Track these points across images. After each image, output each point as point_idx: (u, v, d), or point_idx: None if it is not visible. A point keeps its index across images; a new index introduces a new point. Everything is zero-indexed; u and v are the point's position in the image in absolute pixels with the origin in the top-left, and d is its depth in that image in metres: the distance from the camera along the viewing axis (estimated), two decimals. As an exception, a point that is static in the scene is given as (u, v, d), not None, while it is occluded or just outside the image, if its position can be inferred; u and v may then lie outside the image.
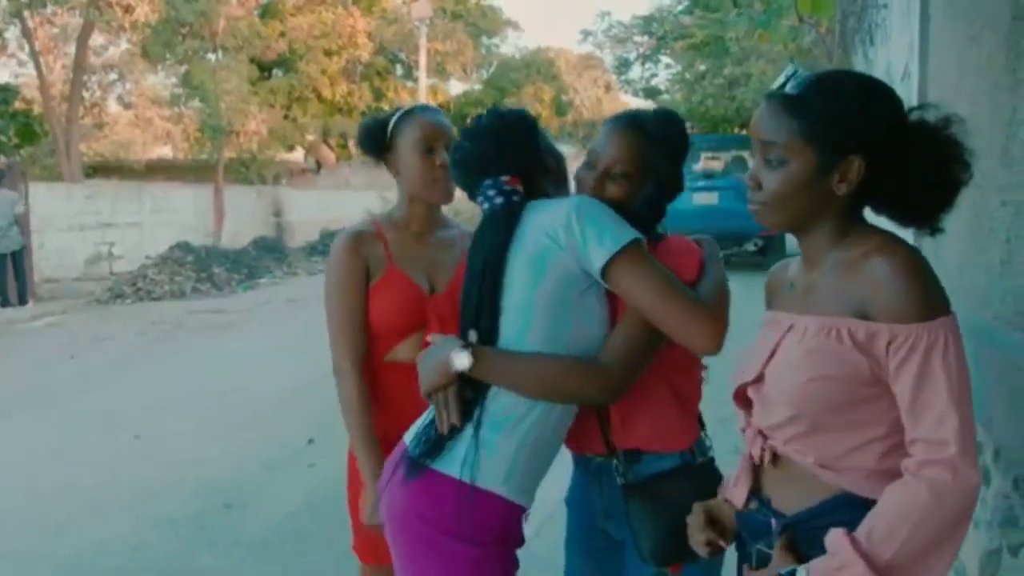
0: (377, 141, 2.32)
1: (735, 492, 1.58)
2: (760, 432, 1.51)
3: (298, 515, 4.50)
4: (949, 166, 1.39)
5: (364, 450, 2.19)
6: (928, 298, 1.32)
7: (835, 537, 1.32)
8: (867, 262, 1.36)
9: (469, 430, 1.75)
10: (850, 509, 1.37)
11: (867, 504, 1.35)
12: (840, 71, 1.55)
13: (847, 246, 1.43)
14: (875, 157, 1.38)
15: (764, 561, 1.46)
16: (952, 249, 2.61)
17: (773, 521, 1.48)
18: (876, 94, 1.43)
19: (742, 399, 1.55)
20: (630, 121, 1.91)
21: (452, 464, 1.75)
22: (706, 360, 1.90)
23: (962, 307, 2.43)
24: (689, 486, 1.80)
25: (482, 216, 1.86)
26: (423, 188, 2.27)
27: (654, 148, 1.88)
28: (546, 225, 1.74)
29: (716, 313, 1.67)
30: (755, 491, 1.55)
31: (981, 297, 2.30)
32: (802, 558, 1.39)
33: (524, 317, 1.75)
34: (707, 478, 1.83)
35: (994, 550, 2.06)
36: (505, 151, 1.88)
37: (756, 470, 1.54)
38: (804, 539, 1.41)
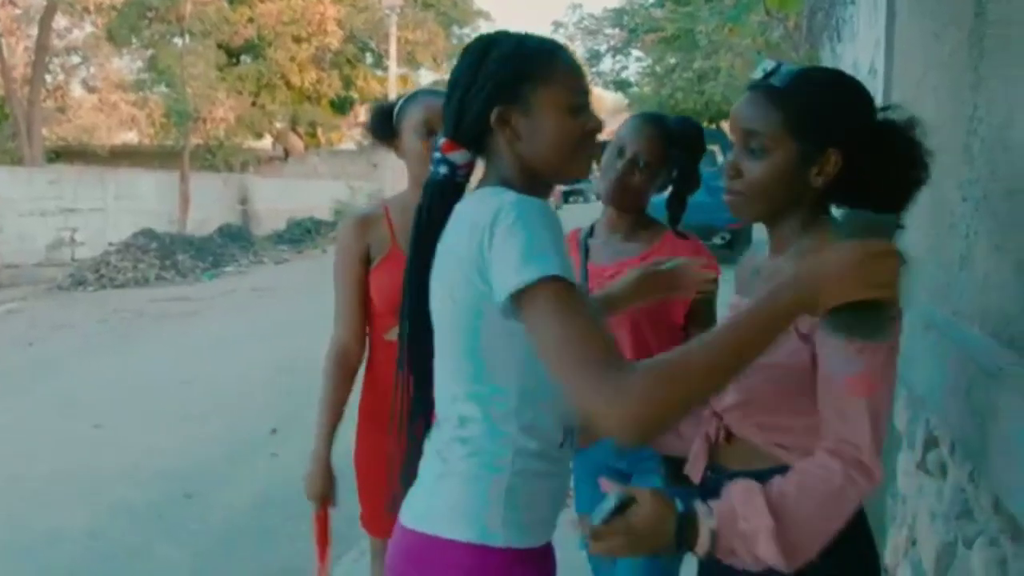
0: (384, 125, 2.35)
1: (692, 469, 1.61)
2: (715, 413, 1.54)
3: (260, 505, 4.46)
4: (912, 166, 1.43)
5: (325, 422, 2.31)
6: None
7: (749, 490, 1.32)
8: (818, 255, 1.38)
9: None
10: None
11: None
12: (821, 67, 1.57)
13: (811, 235, 1.46)
14: (850, 152, 1.42)
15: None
16: (912, 244, 2.63)
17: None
18: (856, 91, 1.47)
19: None
20: (655, 117, 2.17)
21: None
22: None
23: (922, 301, 2.46)
24: None
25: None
26: (424, 170, 2.26)
27: (675, 144, 2.12)
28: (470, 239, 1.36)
29: (647, 392, 1.16)
30: (710, 466, 1.58)
31: (941, 292, 2.32)
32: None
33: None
34: None
35: (950, 542, 2.08)
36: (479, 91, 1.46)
37: (711, 448, 1.57)
38: None
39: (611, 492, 1.35)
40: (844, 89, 1.46)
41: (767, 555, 1.28)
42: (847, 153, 1.41)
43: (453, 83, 1.50)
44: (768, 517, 1.28)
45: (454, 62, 1.55)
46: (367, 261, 2.32)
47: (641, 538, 1.32)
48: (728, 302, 1.64)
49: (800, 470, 1.34)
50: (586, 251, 2.30)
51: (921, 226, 2.57)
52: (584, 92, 1.49)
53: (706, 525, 1.30)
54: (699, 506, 1.32)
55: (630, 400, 1.15)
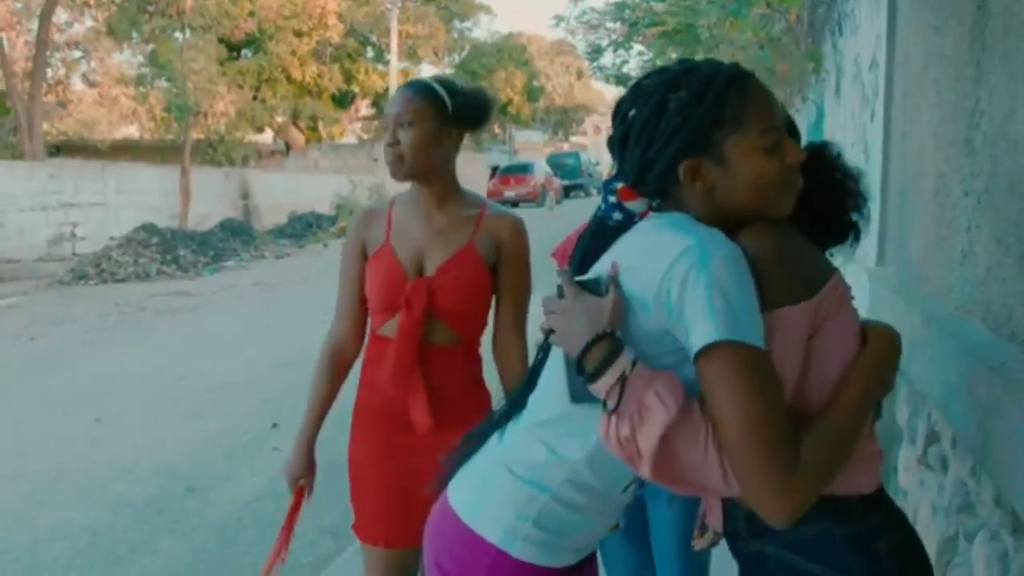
0: None
1: (711, 515, 1.58)
2: None
3: (261, 500, 4.46)
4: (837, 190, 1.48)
5: (310, 410, 2.33)
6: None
7: (675, 380, 1.26)
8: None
9: None
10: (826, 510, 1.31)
11: (840, 502, 1.32)
12: None
13: None
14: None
15: (749, 560, 1.45)
16: (915, 239, 2.63)
17: None
18: None
19: None
20: None
21: None
22: None
23: (924, 297, 2.45)
24: None
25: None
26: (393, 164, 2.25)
27: None
28: (647, 267, 1.28)
29: (814, 485, 1.21)
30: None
31: (943, 286, 2.31)
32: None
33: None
34: None
35: (951, 537, 2.08)
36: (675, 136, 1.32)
37: None
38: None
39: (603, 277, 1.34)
40: None
41: (645, 443, 1.23)
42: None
43: (629, 126, 1.36)
44: (675, 410, 1.22)
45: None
46: (363, 256, 2.30)
47: (573, 318, 1.32)
48: None
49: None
50: None
51: (922, 221, 2.56)
52: (778, 124, 1.33)
53: (626, 359, 1.25)
54: (631, 352, 1.27)
55: (799, 496, 1.20)
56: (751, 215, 1.32)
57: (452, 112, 2.19)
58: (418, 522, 2.11)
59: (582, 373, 1.28)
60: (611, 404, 1.25)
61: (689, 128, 1.30)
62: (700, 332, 1.20)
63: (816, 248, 1.37)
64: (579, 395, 1.31)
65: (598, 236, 1.45)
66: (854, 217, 1.48)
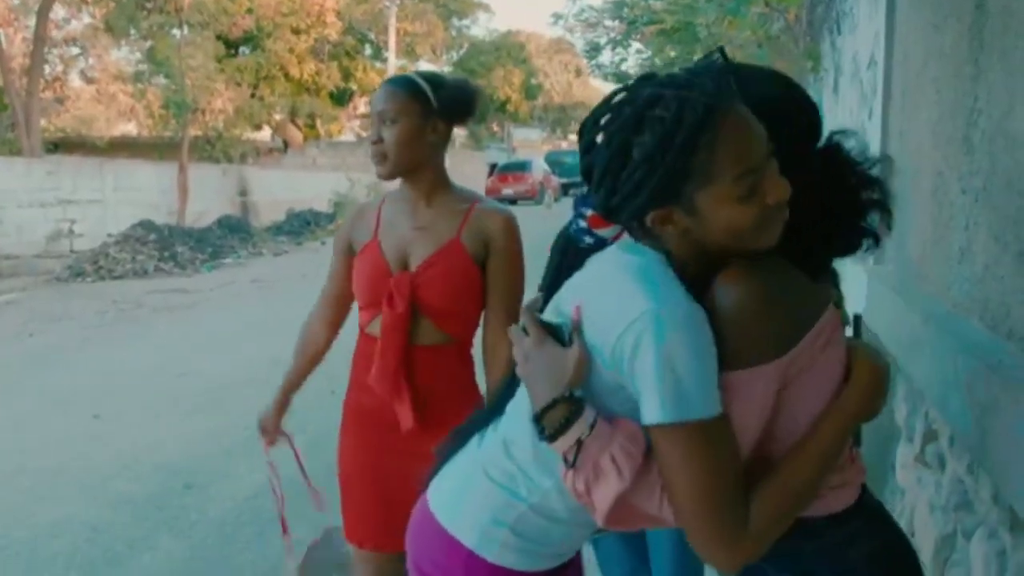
0: None
1: None
2: None
3: (260, 497, 4.45)
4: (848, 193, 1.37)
5: (292, 378, 2.54)
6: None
7: (636, 434, 1.24)
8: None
9: None
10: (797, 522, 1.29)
11: (808, 522, 1.31)
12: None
13: None
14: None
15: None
16: (914, 237, 2.63)
17: None
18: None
19: None
20: None
21: None
22: None
23: (922, 295, 2.46)
24: None
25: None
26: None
27: None
28: (606, 322, 1.25)
29: (763, 537, 1.22)
30: None
31: (941, 284, 2.32)
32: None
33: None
34: None
35: (949, 534, 2.09)
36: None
37: None
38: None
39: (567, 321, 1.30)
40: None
41: (599, 501, 1.24)
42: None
43: (592, 163, 1.27)
44: (629, 478, 1.22)
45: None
46: (349, 251, 2.30)
47: (535, 369, 1.30)
48: None
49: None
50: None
51: (922, 220, 2.57)
52: (756, 165, 1.20)
53: (584, 423, 1.24)
54: (591, 409, 1.25)
55: (746, 553, 1.21)
56: (733, 251, 1.25)
57: (437, 106, 2.15)
58: (405, 525, 2.10)
59: (540, 430, 1.27)
60: (568, 461, 1.25)
61: (655, 181, 1.20)
62: (648, 408, 1.20)
63: (807, 281, 1.29)
64: (542, 437, 1.29)
65: (568, 254, 1.42)
66: (871, 223, 1.36)
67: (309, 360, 2.46)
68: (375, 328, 2.18)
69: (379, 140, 2.13)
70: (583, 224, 1.39)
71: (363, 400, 2.24)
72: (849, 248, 1.38)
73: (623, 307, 1.21)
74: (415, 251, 2.17)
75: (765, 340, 1.21)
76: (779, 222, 1.25)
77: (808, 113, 1.37)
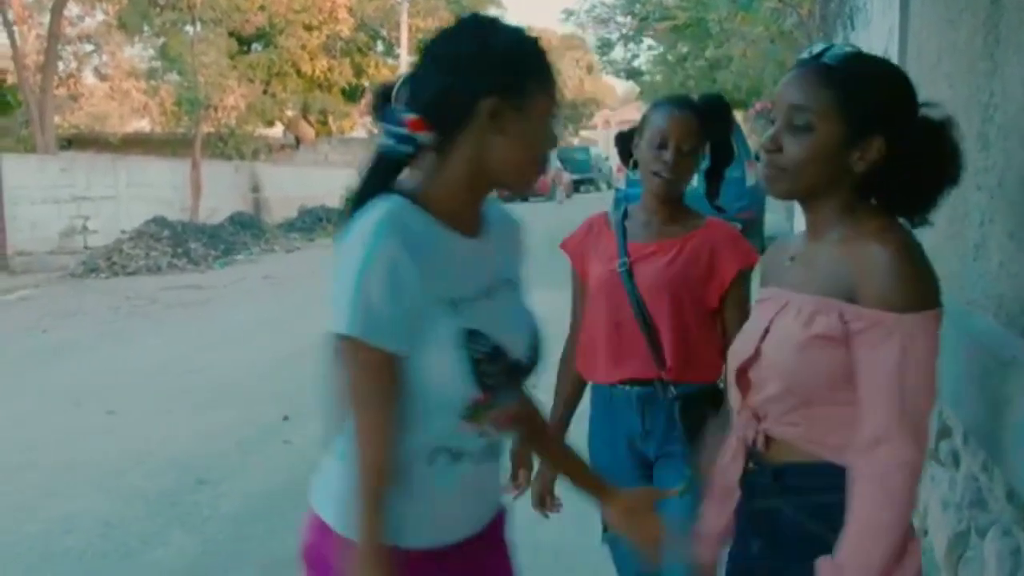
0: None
1: (731, 468, 1.60)
2: (755, 415, 1.52)
3: (272, 492, 4.47)
4: (949, 164, 1.45)
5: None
6: (916, 288, 1.34)
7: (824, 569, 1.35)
8: (863, 246, 1.38)
9: None
10: (838, 476, 1.38)
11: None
12: (872, 55, 1.56)
13: (851, 224, 1.45)
14: (893, 143, 1.41)
15: (761, 517, 1.51)
16: (928, 233, 2.62)
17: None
18: (906, 83, 1.47)
19: (740, 378, 1.55)
20: (686, 102, 2.21)
21: None
22: None
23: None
24: (719, 404, 2.09)
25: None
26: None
27: (707, 122, 2.18)
28: None
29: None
30: (753, 461, 1.57)
31: (955, 281, 2.31)
32: (803, 502, 1.44)
33: None
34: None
35: (962, 531, 2.08)
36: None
37: (749, 450, 1.56)
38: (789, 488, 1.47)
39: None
40: (895, 78, 1.47)
41: None
42: (890, 143, 1.41)
43: (437, 58, 1.36)
44: None
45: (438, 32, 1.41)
46: None
47: None
48: (757, 296, 1.63)
49: (849, 512, 1.34)
50: (623, 231, 2.29)
51: (937, 216, 2.55)
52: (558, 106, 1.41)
53: None
54: None
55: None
56: (505, 180, 1.40)
57: None
58: None
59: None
60: None
61: (510, 66, 1.33)
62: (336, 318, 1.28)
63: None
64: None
65: (381, 168, 1.39)
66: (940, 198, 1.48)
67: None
68: None
69: None
70: (403, 131, 1.36)
71: None
72: (937, 198, 1.49)
73: (359, 224, 1.31)
74: None
75: (928, 284, 1.36)
76: (540, 171, 1.44)
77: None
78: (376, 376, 1.29)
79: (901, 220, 1.47)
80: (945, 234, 2.44)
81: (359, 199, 1.37)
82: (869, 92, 1.41)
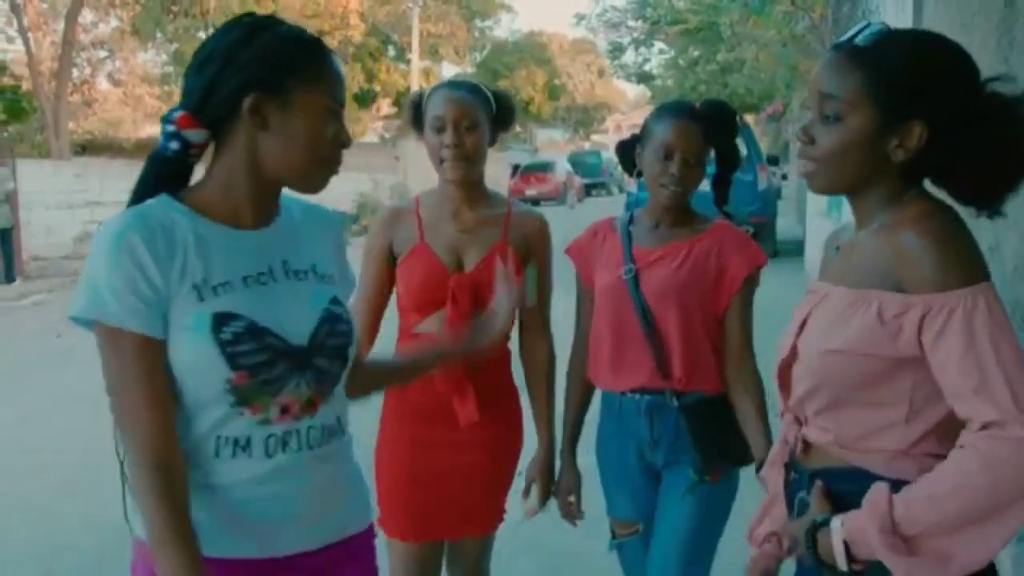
0: (414, 118, 2.31)
1: (772, 474, 1.57)
2: (796, 418, 1.47)
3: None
4: (1020, 146, 1.30)
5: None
6: (961, 264, 1.24)
7: (876, 495, 1.26)
8: (900, 232, 1.29)
9: None
10: (869, 482, 1.30)
11: (890, 481, 1.30)
12: (918, 29, 1.44)
13: (895, 211, 1.35)
14: (940, 125, 1.29)
15: (805, 509, 1.43)
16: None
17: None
18: (951, 57, 1.33)
19: (782, 377, 1.50)
20: (689, 112, 2.17)
21: None
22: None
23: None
24: (726, 413, 2.16)
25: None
26: (435, 167, 2.25)
27: (713, 130, 2.16)
28: None
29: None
30: (792, 467, 1.52)
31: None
32: (836, 506, 1.34)
33: None
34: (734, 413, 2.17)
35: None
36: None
37: (791, 454, 1.51)
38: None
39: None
40: (936, 53, 1.33)
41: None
42: (936, 127, 1.29)
43: (207, 55, 1.37)
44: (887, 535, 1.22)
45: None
46: (391, 257, 2.30)
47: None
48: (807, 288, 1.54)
49: (935, 470, 1.24)
50: (628, 236, 2.25)
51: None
52: (342, 103, 1.42)
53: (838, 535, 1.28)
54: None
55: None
56: (287, 178, 1.41)
57: (495, 115, 2.28)
58: (445, 516, 2.21)
59: None
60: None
61: (268, 62, 1.34)
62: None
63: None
64: None
65: (153, 172, 1.43)
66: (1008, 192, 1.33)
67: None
68: (428, 327, 2.22)
69: (461, 144, 2.19)
70: (171, 128, 1.38)
71: (415, 398, 2.26)
72: (1010, 186, 1.33)
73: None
74: (468, 252, 2.25)
75: (971, 260, 1.26)
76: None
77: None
78: (126, 358, 1.32)
79: (953, 205, 1.35)
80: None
81: (134, 198, 1.42)
82: (901, 73, 1.29)
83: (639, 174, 2.24)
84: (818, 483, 1.38)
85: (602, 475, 2.35)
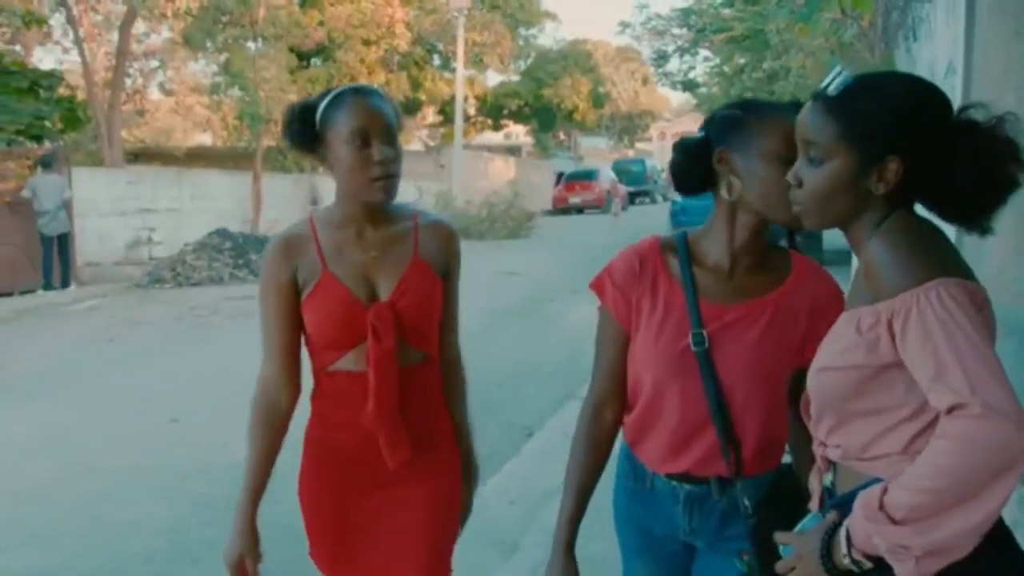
0: (305, 131, 1.97)
1: (816, 502, 1.59)
2: (820, 442, 1.53)
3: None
4: (999, 165, 1.38)
5: (252, 479, 2.21)
6: (914, 265, 1.33)
7: (869, 490, 1.32)
8: (869, 248, 1.40)
9: None
10: None
11: None
12: (886, 72, 1.56)
13: (880, 232, 1.44)
14: (916, 157, 1.39)
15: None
16: (994, 248, 2.58)
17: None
18: (918, 95, 1.43)
19: (806, 406, 1.55)
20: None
21: None
22: None
23: (1002, 304, 2.40)
24: (796, 483, 1.72)
25: None
26: (359, 188, 1.94)
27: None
28: None
29: None
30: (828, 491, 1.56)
31: (1022, 292, 2.27)
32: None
33: None
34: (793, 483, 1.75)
35: None
36: None
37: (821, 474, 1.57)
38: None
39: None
40: (903, 94, 1.43)
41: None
42: (911, 159, 1.39)
43: None
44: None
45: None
46: (295, 289, 2.01)
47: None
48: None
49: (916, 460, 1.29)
50: (692, 283, 1.76)
51: (1002, 227, 2.51)
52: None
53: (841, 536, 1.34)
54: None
55: None
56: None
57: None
58: (381, 554, 2.06)
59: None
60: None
61: None
62: None
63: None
64: None
65: None
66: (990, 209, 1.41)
67: (280, 436, 2.20)
68: (347, 364, 2.00)
69: (394, 159, 1.94)
70: None
71: (339, 437, 2.09)
72: (995, 202, 1.41)
73: None
74: (381, 277, 2.00)
75: (921, 258, 1.33)
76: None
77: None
78: None
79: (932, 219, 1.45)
80: (1012, 249, 2.40)
81: None
82: (873, 116, 1.39)
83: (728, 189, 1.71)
84: (832, 514, 1.42)
85: (627, 540, 1.96)
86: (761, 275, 1.75)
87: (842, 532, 1.34)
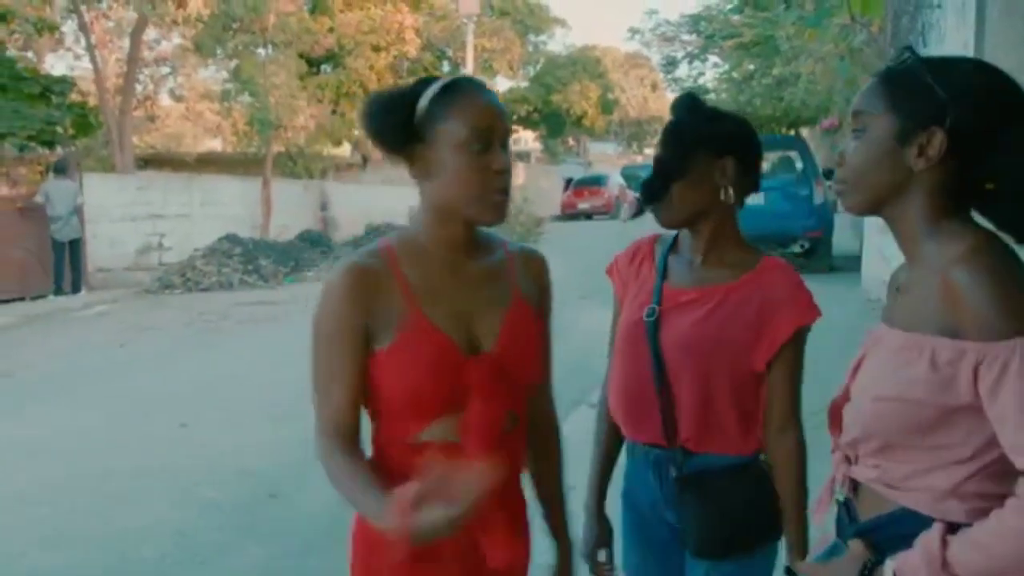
0: (399, 126, 1.52)
1: (818, 512, 1.55)
2: (846, 456, 1.46)
3: (340, 505, 4.54)
4: None
5: (372, 503, 1.55)
6: (1016, 308, 1.19)
7: (930, 534, 1.24)
8: (951, 270, 1.23)
9: None
10: (918, 524, 1.29)
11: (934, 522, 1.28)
12: (958, 56, 1.45)
13: (941, 241, 1.30)
14: (963, 138, 1.27)
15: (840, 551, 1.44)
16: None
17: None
18: (977, 69, 1.34)
19: (833, 416, 1.48)
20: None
21: None
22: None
23: None
24: (740, 486, 1.86)
25: None
26: (470, 202, 1.53)
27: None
28: None
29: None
30: (848, 512, 1.50)
31: None
32: (877, 551, 1.34)
33: None
34: (759, 483, 1.87)
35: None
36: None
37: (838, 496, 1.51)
38: (879, 545, 1.36)
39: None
40: (960, 65, 1.34)
41: None
42: (959, 139, 1.27)
43: None
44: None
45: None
46: (364, 337, 1.54)
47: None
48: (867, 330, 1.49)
49: (991, 516, 1.22)
50: (663, 268, 1.94)
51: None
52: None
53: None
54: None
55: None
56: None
57: None
58: None
59: None
60: None
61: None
62: None
63: None
64: None
65: None
66: None
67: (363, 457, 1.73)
68: (441, 432, 1.53)
69: (510, 171, 1.57)
70: None
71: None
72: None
73: None
74: (483, 324, 1.57)
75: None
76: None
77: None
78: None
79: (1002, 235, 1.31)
80: None
81: None
82: (921, 81, 1.29)
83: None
84: (858, 546, 1.37)
85: (623, 522, 2.06)
86: (724, 269, 1.89)
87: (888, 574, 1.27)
